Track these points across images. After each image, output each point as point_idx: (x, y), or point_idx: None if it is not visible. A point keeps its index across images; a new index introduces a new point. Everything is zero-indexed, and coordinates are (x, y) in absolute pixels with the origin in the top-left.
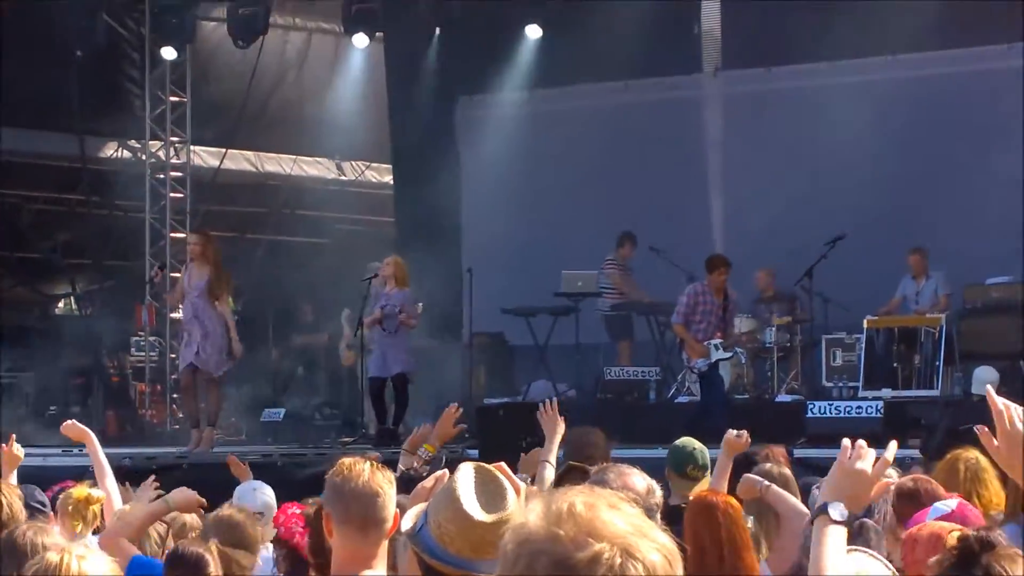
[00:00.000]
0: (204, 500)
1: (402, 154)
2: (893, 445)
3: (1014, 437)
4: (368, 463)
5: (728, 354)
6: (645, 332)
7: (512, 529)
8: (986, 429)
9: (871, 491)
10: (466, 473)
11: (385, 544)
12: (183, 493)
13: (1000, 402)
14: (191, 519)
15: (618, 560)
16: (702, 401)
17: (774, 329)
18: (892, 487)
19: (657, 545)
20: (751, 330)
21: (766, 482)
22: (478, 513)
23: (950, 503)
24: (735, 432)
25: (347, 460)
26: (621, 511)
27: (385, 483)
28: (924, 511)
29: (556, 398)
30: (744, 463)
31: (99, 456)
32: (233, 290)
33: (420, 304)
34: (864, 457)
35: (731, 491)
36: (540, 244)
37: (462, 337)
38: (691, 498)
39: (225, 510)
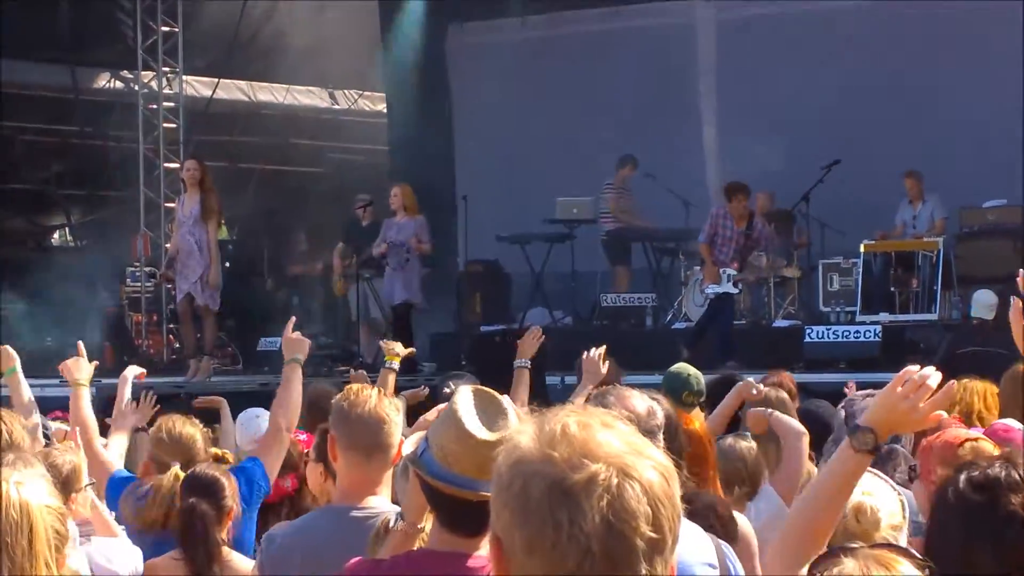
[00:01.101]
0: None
1: (393, 82)
2: (952, 386)
3: None
4: (376, 390)
5: (735, 290)
6: (642, 259)
7: (505, 451)
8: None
9: (917, 426)
10: (465, 395)
11: (390, 472)
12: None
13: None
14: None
15: (615, 480)
16: (699, 323)
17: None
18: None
19: (654, 463)
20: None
21: (769, 410)
22: (480, 432)
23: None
24: (755, 385)
25: (354, 386)
26: (616, 430)
27: (391, 410)
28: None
29: (595, 351)
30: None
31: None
32: (224, 218)
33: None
34: (922, 392)
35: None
36: (534, 171)
37: (457, 265)
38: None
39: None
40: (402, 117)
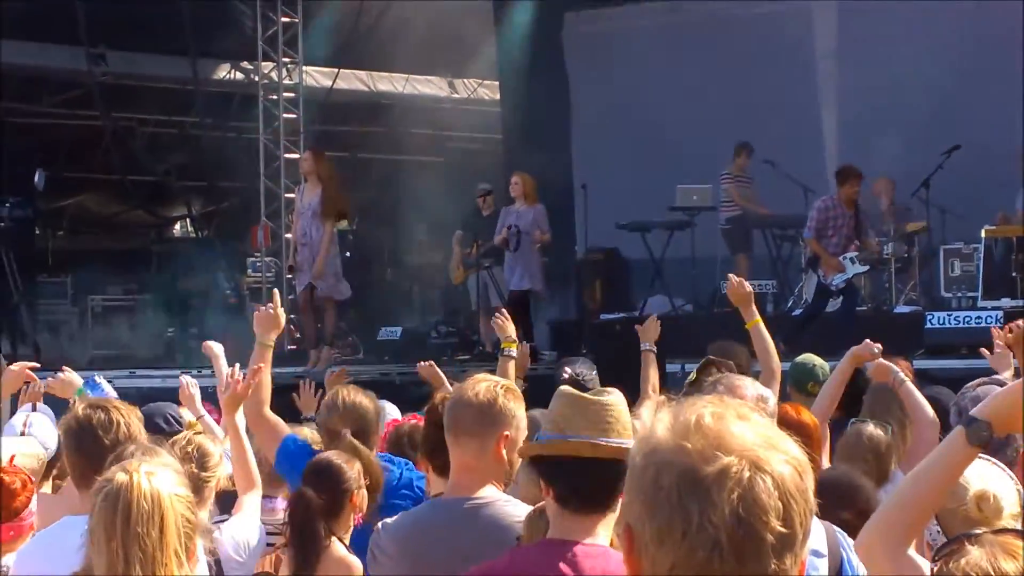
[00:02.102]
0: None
1: (508, 71)
2: None
3: None
4: (488, 382)
5: (865, 267)
6: (762, 246)
7: (640, 439)
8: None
9: None
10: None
11: (504, 463)
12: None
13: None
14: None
15: (746, 474)
16: (807, 311)
17: (892, 241)
18: None
19: (787, 457)
20: (877, 242)
21: (902, 375)
22: (589, 395)
23: None
24: (873, 345)
25: (475, 376)
26: (751, 422)
27: (504, 395)
28: None
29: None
30: (855, 376)
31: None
32: (348, 210)
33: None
34: None
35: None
36: (653, 158)
37: (575, 253)
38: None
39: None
40: (517, 105)
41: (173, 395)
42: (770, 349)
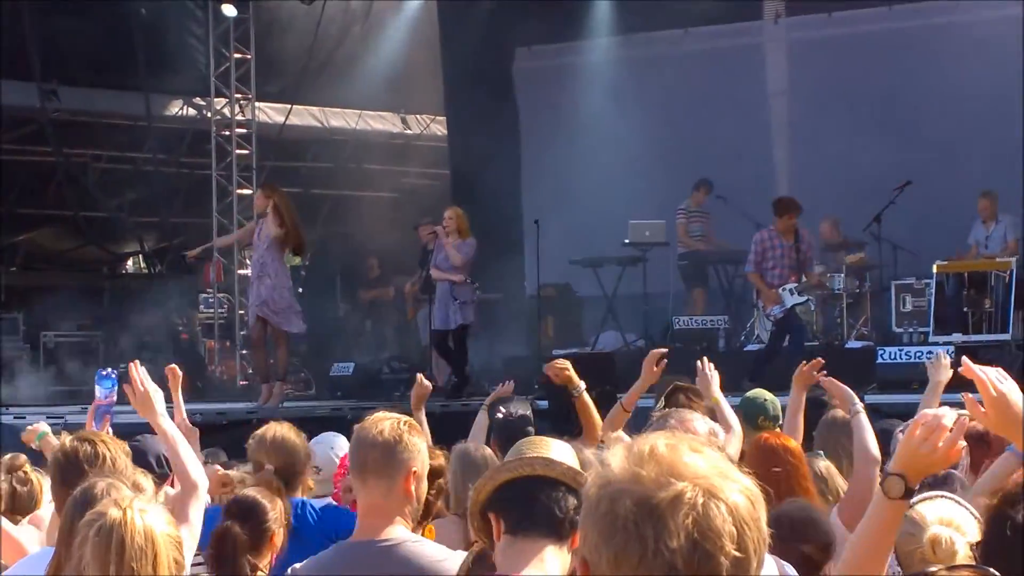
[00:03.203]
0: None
1: (456, 106)
2: (964, 420)
3: (1000, 402)
4: (392, 421)
5: (802, 299)
6: (713, 280)
7: (595, 473)
8: (970, 396)
9: (944, 463)
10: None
11: (410, 503)
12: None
13: (977, 370)
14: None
15: (700, 500)
16: (768, 347)
17: (843, 275)
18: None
19: (740, 487)
20: (821, 274)
21: (860, 406)
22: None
23: None
24: (806, 364)
25: (376, 415)
26: (703, 454)
27: (406, 432)
28: (995, 457)
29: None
30: (815, 408)
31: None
32: (303, 245)
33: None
34: (939, 433)
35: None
36: (606, 194)
37: (524, 289)
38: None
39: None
40: (465, 141)
41: (129, 430)
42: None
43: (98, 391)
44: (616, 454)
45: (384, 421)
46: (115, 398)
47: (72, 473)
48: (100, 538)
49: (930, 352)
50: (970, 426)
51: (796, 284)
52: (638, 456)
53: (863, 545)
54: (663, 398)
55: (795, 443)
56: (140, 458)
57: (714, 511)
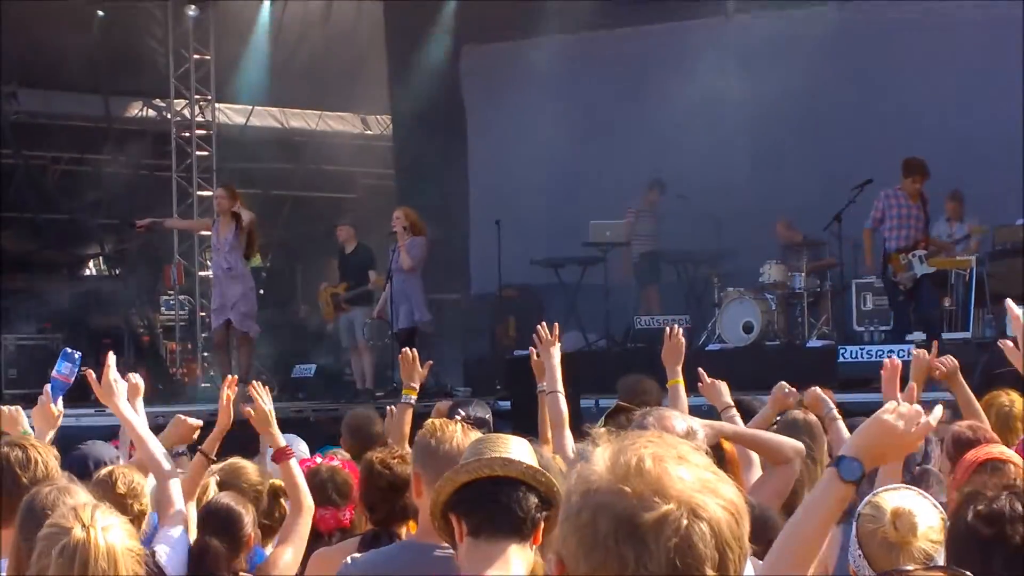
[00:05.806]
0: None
1: (401, 105)
2: (938, 410)
3: None
4: (459, 424)
5: (931, 269)
6: (672, 277)
7: (578, 476)
8: (1009, 343)
9: (903, 453)
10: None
11: None
12: (175, 427)
13: (1020, 311)
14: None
15: (684, 522)
16: (897, 312)
17: (803, 275)
18: (938, 437)
19: (724, 502)
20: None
21: (836, 412)
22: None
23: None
24: (786, 388)
25: (436, 421)
26: (690, 463)
27: None
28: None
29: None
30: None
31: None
32: (260, 246)
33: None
34: (907, 418)
35: None
36: (565, 193)
37: (470, 290)
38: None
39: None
40: (411, 141)
41: (88, 434)
42: (684, 410)
43: (61, 366)
44: (600, 457)
45: (457, 433)
46: (71, 381)
47: (6, 479)
48: (64, 559)
49: (902, 351)
50: (958, 431)
51: (924, 252)
52: (624, 468)
53: (805, 526)
54: (604, 418)
55: (728, 445)
56: (78, 462)
57: (697, 534)
